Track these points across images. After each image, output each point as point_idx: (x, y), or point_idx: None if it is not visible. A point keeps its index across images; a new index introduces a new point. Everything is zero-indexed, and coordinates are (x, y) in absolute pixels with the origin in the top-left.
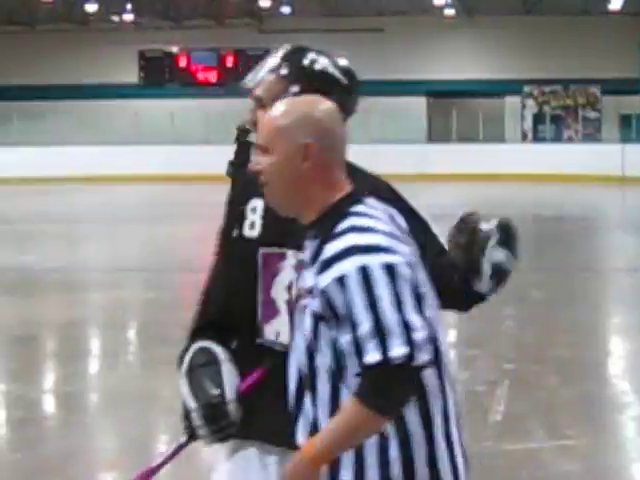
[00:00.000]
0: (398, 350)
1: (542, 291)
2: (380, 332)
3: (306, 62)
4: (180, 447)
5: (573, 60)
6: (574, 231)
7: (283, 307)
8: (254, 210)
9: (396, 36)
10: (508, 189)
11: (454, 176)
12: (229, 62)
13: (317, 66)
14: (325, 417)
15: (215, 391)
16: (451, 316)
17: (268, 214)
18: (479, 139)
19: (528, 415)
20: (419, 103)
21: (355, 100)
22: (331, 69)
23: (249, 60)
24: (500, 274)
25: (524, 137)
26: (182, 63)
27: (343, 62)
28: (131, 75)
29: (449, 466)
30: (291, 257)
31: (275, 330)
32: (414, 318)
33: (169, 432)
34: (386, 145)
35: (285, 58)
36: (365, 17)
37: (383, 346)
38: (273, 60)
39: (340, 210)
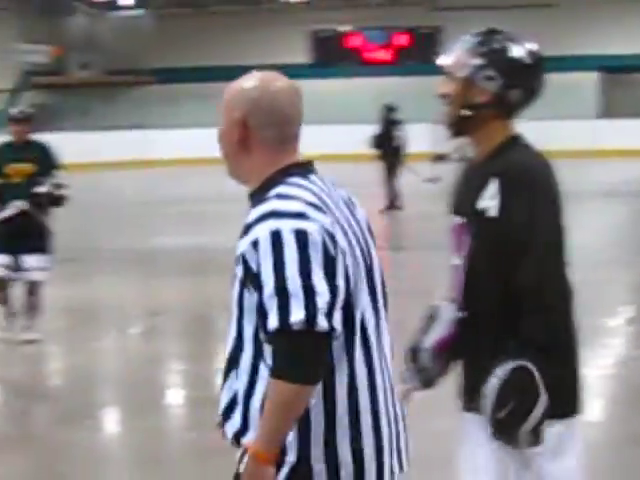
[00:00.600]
0: (296, 315)
1: None
2: (282, 296)
3: (497, 45)
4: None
5: None
6: None
7: None
8: None
9: (568, 11)
10: None
11: (626, 152)
12: (402, 40)
13: (507, 49)
14: (243, 386)
15: (418, 338)
16: None
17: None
18: None
19: None
20: (590, 78)
21: (541, 81)
22: (519, 53)
23: (423, 38)
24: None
25: None
26: (353, 42)
27: (531, 45)
28: (301, 55)
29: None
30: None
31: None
32: (319, 284)
33: None
34: (558, 121)
35: (479, 40)
36: None
37: (283, 310)
38: (468, 40)
39: (275, 180)
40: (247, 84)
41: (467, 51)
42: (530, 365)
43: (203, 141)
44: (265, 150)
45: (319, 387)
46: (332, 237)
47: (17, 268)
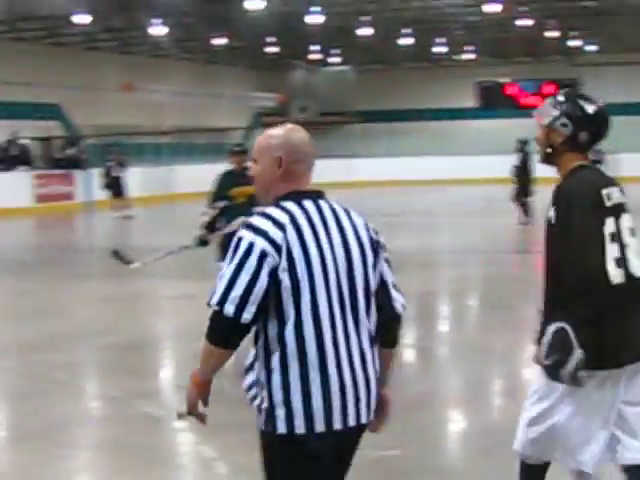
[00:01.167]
0: (214, 298)
1: None
2: (218, 282)
3: (570, 101)
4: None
5: None
6: None
7: None
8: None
9: None
10: None
11: None
12: (549, 89)
13: (577, 104)
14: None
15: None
16: None
17: None
18: None
19: None
20: None
21: (604, 127)
22: (586, 106)
23: (565, 88)
24: None
25: None
26: (511, 91)
27: (596, 102)
28: (469, 101)
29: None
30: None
31: None
32: (240, 282)
33: (502, 378)
34: None
35: (557, 98)
36: None
37: (213, 292)
38: (550, 98)
39: (276, 201)
40: (280, 132)
41: (549, 106)
42: (567, 326)
43: (394, 167)
44: (288, 178)
45: (277, 350)
46: (277, 248)
47: None
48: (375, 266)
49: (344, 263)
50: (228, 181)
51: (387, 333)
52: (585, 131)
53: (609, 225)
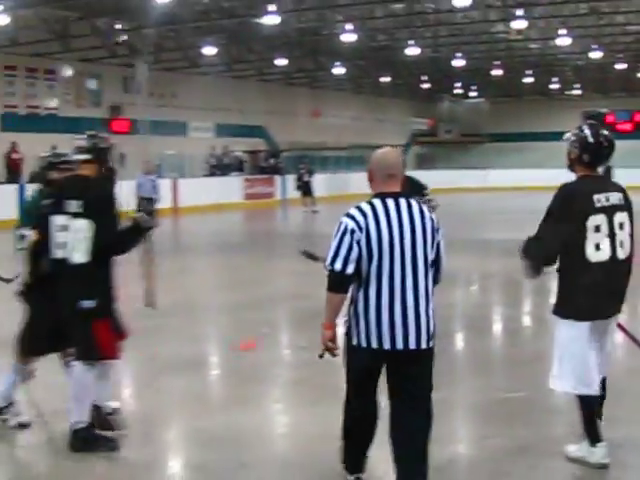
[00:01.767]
0: (327, 261)
1: None
2: (329, 251)
3: (579, 130)
4: None
5: None
6: None
7: None
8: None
9: None
10: None
11: None
12: (638, 118)
13: (584, 132)
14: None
15: None
16: None
17: None
18: None
19: None
20: None
21: (600, 151)
22: (588, 135)
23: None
24: None
25: None
26: (609, 119)
27: (599, 132)
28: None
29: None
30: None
31: None
32: (342, 249)
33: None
34: None
35: (579, 128)
36: None
37: (328, 257)
38: (579, 126)
39: (370, 198)
40: (377, 152)
41: (571, 132)
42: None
43: (518, 176)
44: (375, 183)
45: (357, 293)
46: (360, 227)
47: None
48: (432, 244)
49: (409, 241)
50: None
51: (434, 283)
52: (587, 154)
53: (595, 220)
